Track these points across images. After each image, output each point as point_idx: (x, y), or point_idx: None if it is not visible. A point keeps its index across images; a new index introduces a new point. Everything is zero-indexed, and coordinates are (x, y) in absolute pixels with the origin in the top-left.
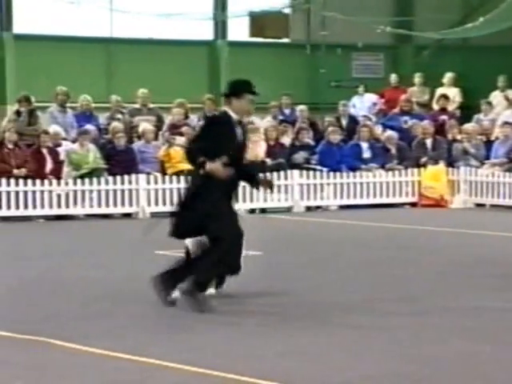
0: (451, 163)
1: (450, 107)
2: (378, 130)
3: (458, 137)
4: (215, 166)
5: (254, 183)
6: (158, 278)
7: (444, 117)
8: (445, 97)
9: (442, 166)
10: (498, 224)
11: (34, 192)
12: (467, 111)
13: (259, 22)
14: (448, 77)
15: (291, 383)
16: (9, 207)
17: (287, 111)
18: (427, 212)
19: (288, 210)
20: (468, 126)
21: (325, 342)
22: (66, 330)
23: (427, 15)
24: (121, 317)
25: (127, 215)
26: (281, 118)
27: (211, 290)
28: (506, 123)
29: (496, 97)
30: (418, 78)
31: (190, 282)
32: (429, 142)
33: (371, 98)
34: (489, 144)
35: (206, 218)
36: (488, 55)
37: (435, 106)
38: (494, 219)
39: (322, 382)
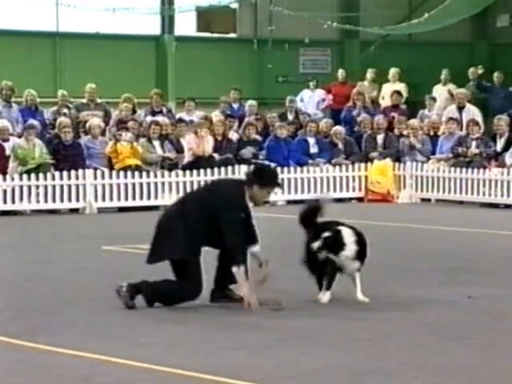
0: (398, 158)
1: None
2: (328, 124)
3: (405, 132)
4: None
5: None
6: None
7: (395, 113)
8: (398, 93)
9: (388, 160)
10: (444, 218)
11: None
12: (413, 106)
13: (206, 16)
14: (393, 72)
15: (239, 378)
16: None
17: (236, 106)
18: (374, 207)
19: None
20: (414, 122)
21: (272, 337)
22: (11, 326)
23: (373, 11)
24: (67, 312)
25: (74, 210)
26: (228, 112)
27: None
28: (450, 119)
29: (438, 90)
30: (369, 73)
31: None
32: (380, 137)
33: (320, 93)
34: (435, 139)
35: None
36: (433, 51)
37: (383, 102)
38: (440, 213)
39: (269, 377)
